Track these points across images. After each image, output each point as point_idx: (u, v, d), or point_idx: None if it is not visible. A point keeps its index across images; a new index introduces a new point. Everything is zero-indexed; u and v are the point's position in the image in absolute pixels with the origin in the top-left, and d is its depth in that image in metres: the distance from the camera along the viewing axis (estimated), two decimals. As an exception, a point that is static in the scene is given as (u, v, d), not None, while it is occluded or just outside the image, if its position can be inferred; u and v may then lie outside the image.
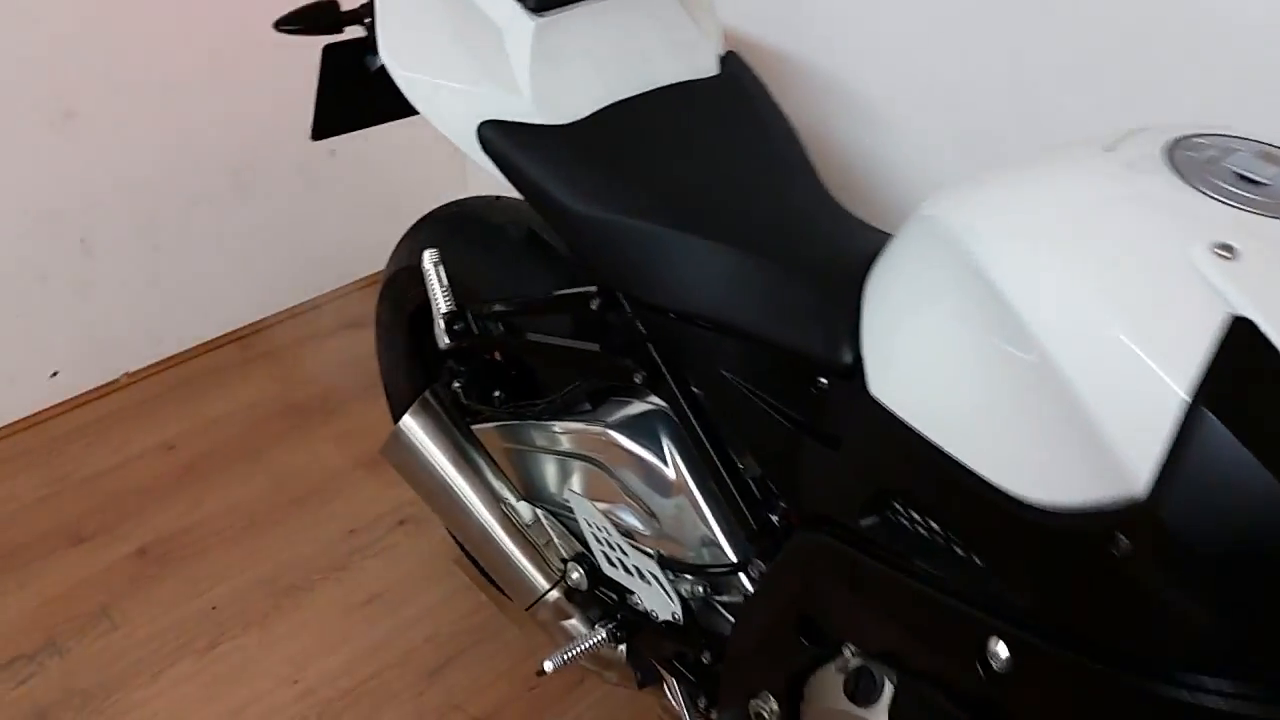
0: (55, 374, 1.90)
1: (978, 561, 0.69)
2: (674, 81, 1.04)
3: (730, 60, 1.12)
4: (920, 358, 0.71)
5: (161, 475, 1.79)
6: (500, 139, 0.96)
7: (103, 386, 1.97)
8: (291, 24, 1.17)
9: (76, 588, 1.59)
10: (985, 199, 0.71)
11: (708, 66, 1.08)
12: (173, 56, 1.83)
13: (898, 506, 0.77)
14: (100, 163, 1.82)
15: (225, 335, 2.09)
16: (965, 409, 0.68)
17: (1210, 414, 0.53)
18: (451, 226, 1.30)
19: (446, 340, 1.10)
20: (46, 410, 1.90)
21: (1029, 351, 0.62)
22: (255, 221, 2.05)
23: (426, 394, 1.19)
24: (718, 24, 1.14)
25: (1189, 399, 0.54)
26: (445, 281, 1.10)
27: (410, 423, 1.17)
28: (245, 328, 2.11)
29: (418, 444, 1.17)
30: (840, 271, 0.83)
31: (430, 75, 0.99)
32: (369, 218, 2.04)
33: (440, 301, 1.10)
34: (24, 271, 1.80)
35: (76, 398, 1.93)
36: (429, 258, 1.11)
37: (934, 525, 0.74)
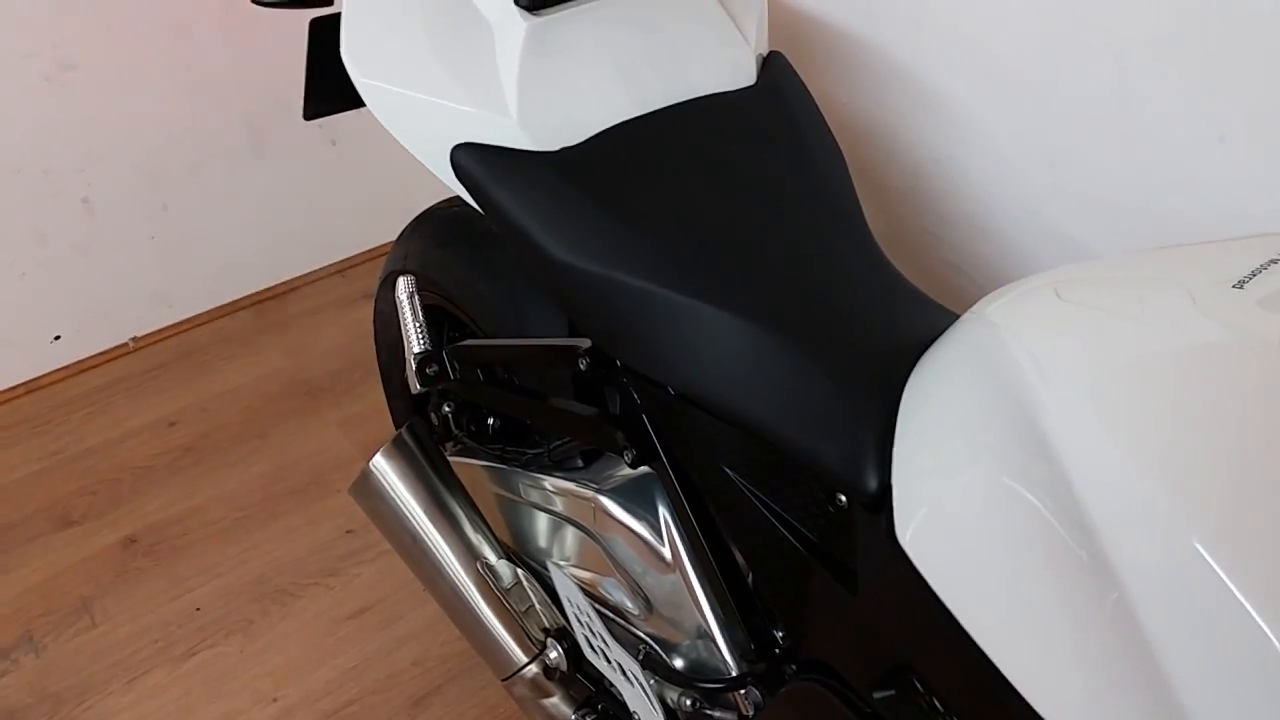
0: (57, 338, 1.81)
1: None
2: (696, 96, 0.86)
3: (772, 64, 0.94)
4: (956, 514, 0.56)
5: (159, 455, 1.70)
6: (476, 166, 0.80)
7: (109, 351, 1.88)
8: (274, -3, 1.02)
9: (60, 576, 1.52)
10: (1064, 329, 0.53)
11: (742, 75, 0.89)
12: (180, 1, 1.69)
13: (919, 687, 0.62)
14: (101, 117, 1.69)
15: (237, 301, 1.98)
16: (1005, 600, 0.52)
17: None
18: (450, 230, 1.15)
19: (418, 385, 0.96)
20: (47, 375, 1.82)
21: (1090, 555, 0.46)
22: (272, 179, 1.92)
23: (403, 432, 1.05)
24: (762, 17, 0.95)
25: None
26: (420, 316, 0.96)
27: (382, 464, 1.04)
28: (259, 293, 2.00)
29: (389, 488, 1.04)
30: (877, 363, 0.67)
31: (398, 85, 0.82)
32: (397, 177, 1.89)
33: (413, 339, 0.95)
34: (22, 232, 1.70)
35: (80, 362, 1.85)
36: (403, 287, 0.96)
37: (960, 727, 0.59)
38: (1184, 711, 0.43)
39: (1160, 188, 1.00)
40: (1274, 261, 0.49)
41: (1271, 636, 0.40)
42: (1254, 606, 0.41)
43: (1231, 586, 0.41)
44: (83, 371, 1.85)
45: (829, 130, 0.91)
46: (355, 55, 0.84)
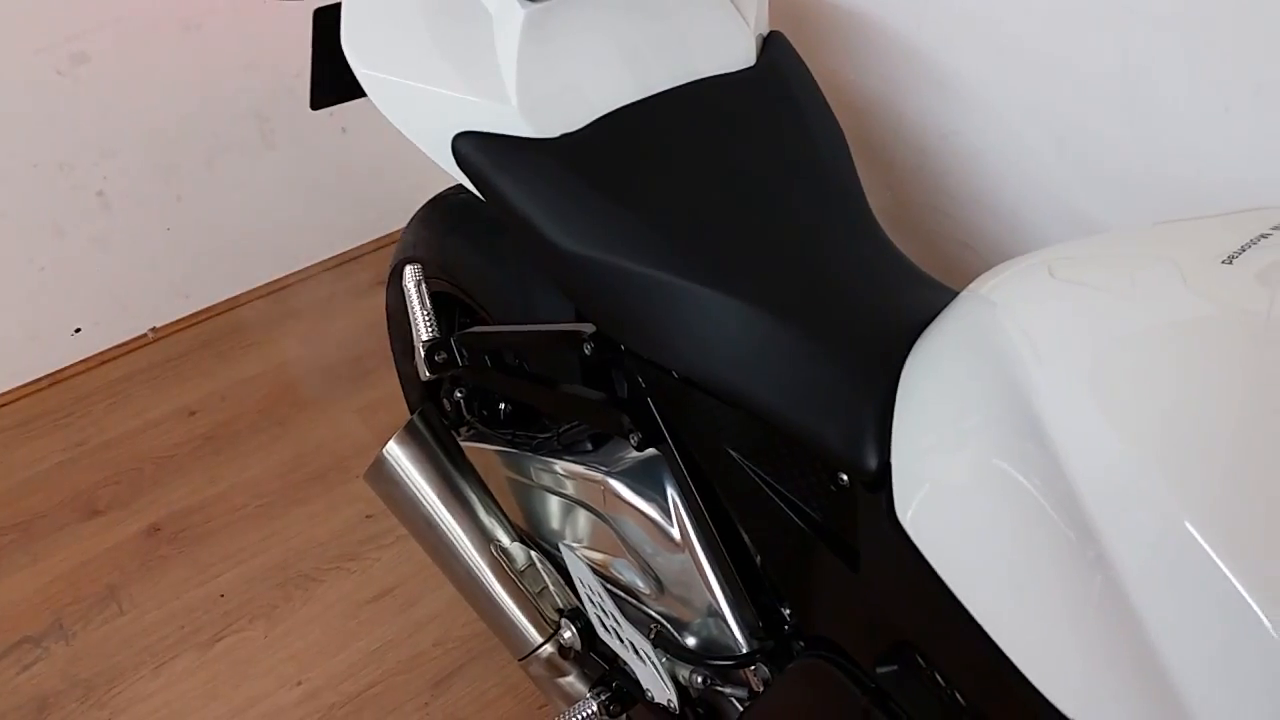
0: (78, 330, 1.83)
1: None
2: (695, 79, 0.86)
3: (772, 44, 0.94)
4: (953, 492, 0.56)
5: (181, 443, 1.72)
6: (477, 154, 0.80)
7: (129, 342, 1.90)
8: (276, -13, 1.03)
9: (87, 565, 1.54)
10: (1056, 307, 0.54)
11: (742, 56, 0.89)
12: (191, -6, 1.70)
13: (920, 662, 0.63)
14: (115, 110, 1.71)
15: (254, 290, 2.00)
16: (1003, 577, 0.53)
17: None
18: (457, 217, 1.16)
19: (427, 372, 0.97)
20: (69, 368, 1.85)
21: (1080, 535, 0.47)
22: (285, 170, 1.93)
23: (415, 418, 1.07)
24: (762, -1, 0.95)
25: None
26: (428, 304, 0.97)
27: (396, 450, 1.05)
28: (276, 281, 2.02)
29: (403, 474, 1.05)
30: (876, 343, 0.68)
31: (398, 75, 0.83)
32: (409, 163, 1.89)
33: (421, 327, 0.96)
34: (40, 226, 1.72)
35: (101, 354, 1.87)
36: (410, 275, 0.97)
37: (960, 699, 0.60)
38: (1175, 686, 0.43)
39: (1167, 160, 0.99)
40: (1263, 236, 0.49)
41: (1260, 613, 0.41)
42: (1243, 585, 0.41)
43: (1221, 565, 0.42)
44: (103, 363, 1.87)
45: (829, 110, 0.91)
46: (355, 46, 0.85)
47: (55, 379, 1.84)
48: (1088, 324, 0.51)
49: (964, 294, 0.63)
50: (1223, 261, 0.49)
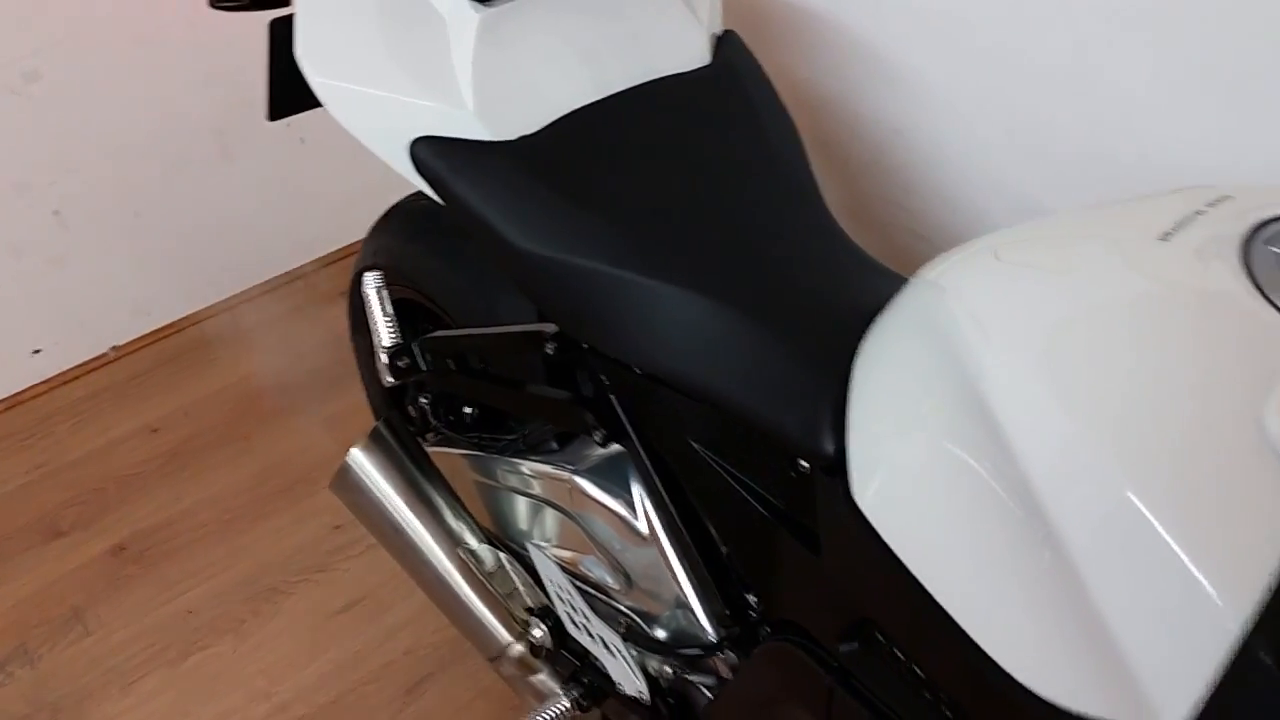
0: (37, 351, 1.81)
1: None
2: (650, 79, 0.87)
3: (726, 43, 0.95)
4: (907, 475, 0.57)
5: (144, 461, 1.71)
6: (434, 159, 0.81)
7: (90, 362, 1.88)
8: (230, 0, 1.03)
9: (51, 586, 1.53)
10: (1001, 289, 0.55)
11: (697, 55, 0.91)
12: (145, 8, 1.69)
13: (880, 639, 0.64)
14: (70, 128, 1.69)
15: (215, 305, 1.99)
16: (957, 555, 0.54)
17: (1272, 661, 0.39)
18: (418, 223, 1.16)
19: (389, 378, 0.97)
20: (29, 389, 1.83)
21: (1029, 512, 0.48)
22: (244, 184, 1.93)
23: (380, 425, 1.07)
24: (716, -1, 0.97)
25: (1247, 632, 0.40)
26: (389, 310, 0.97)
27: (360, 457, 1.05)
28: (238, 295, 2.01)
29: (368, 480, 1.06)
30: (832, 332, 0.69)
31: (354, 83, 0.83)
32: (368, 177, 1.89)
33: (382, 333, 0.97)
34: (-5, 246, 1.71)
35: (62, 374, 1.85)
36: (369, 282, 0.97)
37: (919, 672, 0.61)
38: (1121, 651, 0.45)
39: (1119, 147, 1.02)
40: (1197, 213, 0.51)
41: (1200, 577, 0.42)
42: (1184, 551, 0.43)
43: (1163, 533, 0.43)
44: (65, 383, 1.85)
45: (783, 107, 0.93)
46: (310, 55, 0.85)
47: (15, 401, 1.82)
48: (1031, 304, 0.52)
49: (913, 280, 0.65)
50: (1159, 239, 0.51)
